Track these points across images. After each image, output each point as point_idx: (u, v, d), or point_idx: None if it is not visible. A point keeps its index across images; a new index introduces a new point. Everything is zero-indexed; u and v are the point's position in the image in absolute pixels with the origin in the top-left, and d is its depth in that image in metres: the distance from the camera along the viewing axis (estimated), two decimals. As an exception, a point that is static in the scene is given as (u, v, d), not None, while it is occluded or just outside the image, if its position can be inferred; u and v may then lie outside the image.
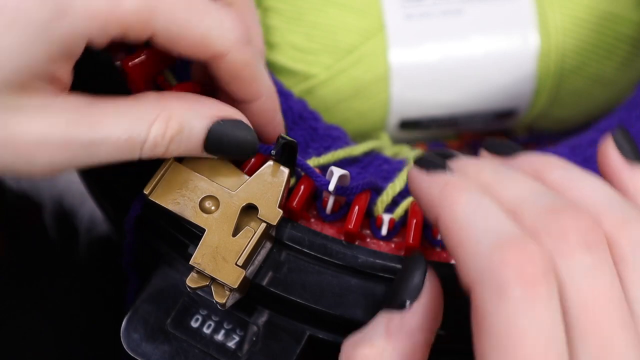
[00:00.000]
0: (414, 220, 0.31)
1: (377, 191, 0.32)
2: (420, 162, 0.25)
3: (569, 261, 0.21)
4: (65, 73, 0.26)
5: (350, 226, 0.31)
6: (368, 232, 0.32)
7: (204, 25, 0.26)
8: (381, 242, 0.32)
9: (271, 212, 0.29)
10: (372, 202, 0.32)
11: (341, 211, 0.32)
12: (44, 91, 0.25)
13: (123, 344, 0.30)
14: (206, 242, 0.28)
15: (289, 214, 0.31)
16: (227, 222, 0.28)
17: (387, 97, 0.44)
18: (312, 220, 0.32)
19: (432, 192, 0.24)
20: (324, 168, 0.33)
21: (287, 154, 0.29)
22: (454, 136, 0.51)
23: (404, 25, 0.43)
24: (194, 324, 0.31)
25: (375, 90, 0.44)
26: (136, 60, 0.29)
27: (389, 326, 0.24)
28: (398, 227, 0.32)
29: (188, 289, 0.28)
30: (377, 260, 0.30)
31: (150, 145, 0.26)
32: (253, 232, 0.28)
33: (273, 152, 0.29)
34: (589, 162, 0.36)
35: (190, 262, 0.28)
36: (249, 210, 0.29)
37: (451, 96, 0.45)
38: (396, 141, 0.46)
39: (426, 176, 0.24)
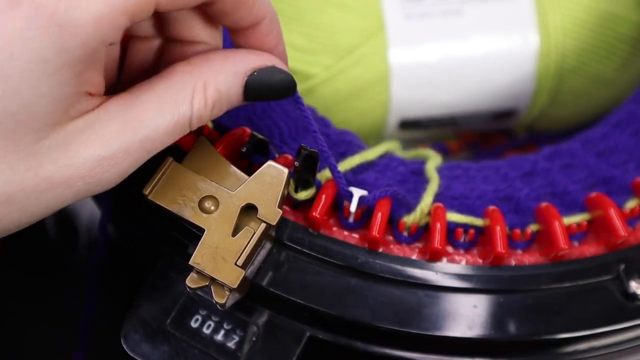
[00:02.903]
0: (438, 224, 0.31)
1: (398, 198, 0.32)
2: None
3: None
4: (97, 82, 0.25)
5: (374, 234, 0.31)
6: (390, 237, 0.32)
7: None
8: (405, 247, 0.32)
9: (271, 212, 0.29)
10: (393, 208, 0.32)
11: (363, 218, 0.32)
12: (84, 109, 0.25)
13: (123, 344, 0.30)
14: (206, 242, 0.28)
15: (311, 224, 0.31)
16: (226, 222, 0.28)
17: (387, 97, 0.44)
18: (335, 229, 0.32)
19: None
20: (343, 176, 0.33)
21: (309, 165, 0.30)
22: (454, 136, 0.51)
23: (404, 25, 0.43)
24: (194, 324, 0.31)
25: (375, 90, 0.44)
26: None
27: None
28: (421, 231, 0.32)
29: (188, 289, 0.28)
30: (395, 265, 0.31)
31: (197, 118, 0.26)
32: (253, 232, 0.28)
33: (296, 163, 0.30)
34: (602, 157, 0.36)
35: (189, 262, 0.28)
36: (249, 210, 0.29)
37: (451, 96, 0.45)
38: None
39: None
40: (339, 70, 0.43)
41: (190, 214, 0.28)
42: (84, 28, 0.23)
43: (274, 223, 0.28)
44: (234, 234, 0.28)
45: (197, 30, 0.29)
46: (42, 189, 0.24)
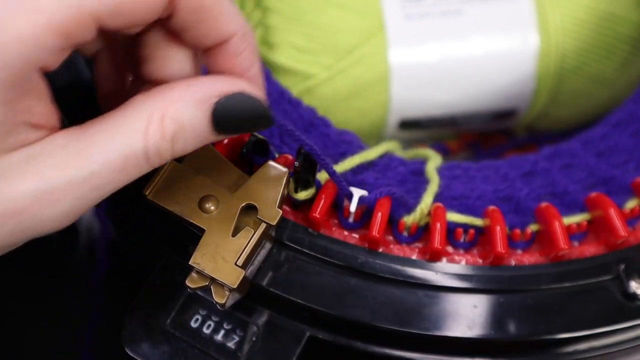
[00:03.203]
0: (438, 224, 0.31)
1: (398, 198, 0.32)
2: None
3: None
4: (40, 111, 0.23)
5: (374, 234, 0.31)
6: (390, 237, 0.32)
7: None
8: (405, 247, 0.32)
9: (271, 212, 0.29)
10: (393, 208, 0.32)
11: (363, 218, 0.32)
12: (25, 140, 0.23)
13: (123, 344, 0.30)
14: (206, 242, 0.28)
15: (311, 224, 0.31)
16: (226, 222, 0.28)
17: (387, 97, 0.44)
18: (334, 229, 0.32)
19: None
20: (343, 176, 0.33)
21: (309, 165, 0.30)
22: (454, 136, 0.51)
23: (404, 25, 0.43)
24: (194, 324, 0.31)
25: (375, 90, 0.44)
26: None
27: None
28: (421, 231, 0.32)
29: (188, 289, 0.28)
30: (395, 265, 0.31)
31: (154, 153, 0.24)
32: (253, 232, 0.28)
33: (296, 163, 0.29)
34: (602, 157, 0.36)
35: (189, 262, 0.28)
36: (249, 210, 0.29)
37: (451, 96, 0.45)
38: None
39: None
40: (339, 70, 0.43)
41: (190, 214, 0.28)
42: (5, 49, 0.21)
43: (274, 223, 0.28)
44: (234, 234, 0.28)
45: (165, 56, 0.26)
46: None
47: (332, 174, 0.31)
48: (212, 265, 0.28)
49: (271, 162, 0.29)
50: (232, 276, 0.27)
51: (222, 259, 0.28)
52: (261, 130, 0.26)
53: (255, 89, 0.25)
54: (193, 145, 0.25)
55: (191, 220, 0.28)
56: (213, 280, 0.28)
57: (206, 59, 0.26)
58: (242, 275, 0.28)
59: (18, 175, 0.23)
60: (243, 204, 0.29)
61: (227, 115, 0.24)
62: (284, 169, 0.29)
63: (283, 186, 0.29)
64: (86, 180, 0.23)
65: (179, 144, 0.24)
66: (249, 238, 0.28)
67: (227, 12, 0.24)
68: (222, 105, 0.24)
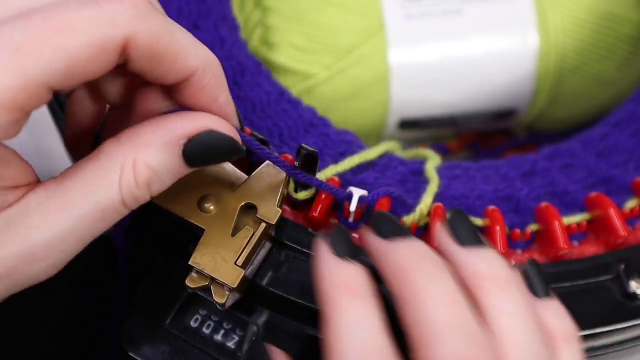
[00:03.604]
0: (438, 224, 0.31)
1: (397, 198, 0.32)
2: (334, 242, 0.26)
3: None
4: (11, 175, 0.23)
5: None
6: None
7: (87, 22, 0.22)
8: None
9: (270, 212, 0.29)
10: (393, 208, 0.32)
11: (363, 218, 0.32)
12: (5, 204, 0.23)
13: (123, 344, 0.30)
14: (205, 242, 0.28)
15: (312, 224, 0.31)
16: (226, 222, 0.28)
17: (387, 97, 0.44)
18: None
19: (325, 288, 0.25)
20: (343, 176, 0.33)
21: (309, 164, 0.30)
22: (454, 136, 0.51)
23: (404, 25, 0.43)
24: (194, 324, 0.31)
25: (375, 90, 0.44)
26: None
27: None
28: (421, 231, 0.32)
29: (188, 289, 0.28)
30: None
31: (131, 200, 0.24)
32: (252, 232, 0.28)
33: (297, 163, 0.29)
34: (602, 157, 0.36)
35: (189, 262, 0.28)
36: (249, 210, 0.29)
37: (451, 96, 0.45)
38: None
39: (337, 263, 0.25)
40: (339, 70, 0.43)
41: (190, 214, 0.28)
42: None
43: (273, 223, 0.28)
44: (234, 233, 0.28)
45: (130, 93, 0.26)
46: None
47: (320, 186, 0.30)
48: (212, 265, 0.28)
49: (271, 162, 0.29)
50: (232, 276, 0.27)
51: (222, 258, 0.28)
52: (235, 159, 0.26)
53: (222, 122, 0.26)
54: (170, 182, 0.25)
55: (191, 220, 0.28)
56: (213, 280, 0.28)
57: (173, 94, 0.26)
58: (242, 275, 0.28)
59: (1, 240, 0.23)
60: (243, 204, 0.29)
61: (198, 153, 0.25)
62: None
63: (283, 186, 0.29)
64: (67, 236, 0.24)
65: (155, 187, 0.25)
66: (248, 238, 0.28)
67: (184, 52, 0.24)
68: (191, 145, 0.25)
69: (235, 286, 0.27)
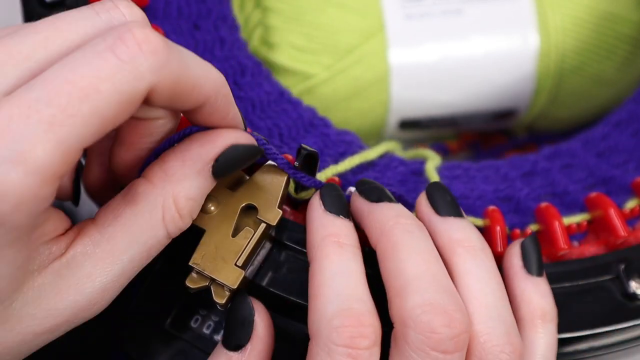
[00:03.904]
0: None
1: (398, 198, 0.32)
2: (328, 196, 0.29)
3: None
4: (50, 229, 0.24)
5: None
6: None
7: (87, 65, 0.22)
8: None
9: (271, 213, 0.29)
10: None
11: None
12: (48, 259, 0.24)
13: (123, 344, 0.30)
14: (206, 243, 0.28)
15: None
16: (226, 223, 0.28)
17: (387, 97, 0.44)
18: None
19: (313, 238, 0.28)
20: (343, 176, 0.33)
21: (309, 165, 0.30)
22: (454, 136, 0.51)
23: (403, 25, 0.43)
24: (194, 324, 0.31)
25: (375, 90, 0.44)
26: None
27: None
28: None
29: (188, 289, 0.28)
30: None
31: (175, 230, 0.26)
32: (252, 232, 0.28)
33: (296, 163, 0.29)
34: (602, 157, 0.36)
35: (189, 262, 0.28)
36: (249, 210, 0.29)
37: (451, 96, 0.45)
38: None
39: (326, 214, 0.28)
40: (339, 70, 0.43)
41: (190, 214, 0.28)
42: (9, 219, 0.20)
43: (274, 223, 0.28)
44: (234, 234, 0.28)
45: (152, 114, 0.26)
46: (29, 339, 0.24)
47: (320, 186, 0.31)
48: (211, 266, 0.28)
49: (271, 162, 0.29)
50: (232, 276, 0.27)
51: (222, 259, 0.28)
52: (253, 162, 0.28)
53: (239, 134, 0.27)
54: (203, 201, 0.27)
55: (191, 221, 0.28)
56: (213, 280, 0.28)
57: (185, 115, 0.26)
58: (242, 276, 0.28)
59: (56, 293, 0.24)
60: (243, 204, 0.29)
61: (224, 167, 0.26)
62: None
63: (283, 186, 0.29)
64: (118, 278, 0.25)
65: (194, 212, 0.26)
66: (248, 238, 0.28)
67: (200, 83, 0.24)
68: (218, 164, 0.26)
69: (235, 287, 0.27)
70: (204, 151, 0.26)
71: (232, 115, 0.27)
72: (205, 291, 0.28)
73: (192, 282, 0.28)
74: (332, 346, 0.25)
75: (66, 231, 0.25)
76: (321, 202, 0.28)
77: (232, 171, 0.27)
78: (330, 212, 0.28)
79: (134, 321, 0.31)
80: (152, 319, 0.31)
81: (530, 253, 0.29)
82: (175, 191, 0.25)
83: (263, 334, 0.28)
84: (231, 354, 0.27)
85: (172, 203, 0.25)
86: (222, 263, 0.28)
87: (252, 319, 0.28)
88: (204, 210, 0.28)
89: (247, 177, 0.29)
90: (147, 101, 0.23)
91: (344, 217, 0.28)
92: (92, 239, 0.25)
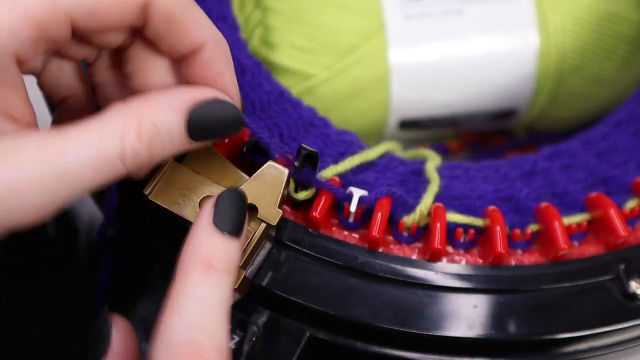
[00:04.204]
0: (438, 224, 0.31)
1: (398, 198, 0.32)
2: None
3: None
4: (16, 105, 0.24)
5: (374, 234, 0.31)
6: (390, 237, 0.32)
7: None
8: (405, 247, 0.32)
9: (271, 213, 0.29)
10: (393, 208, 0.32)
11: (363, 218, 0.32)
12: (1, 130, 0.24)
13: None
14: (206, 242, 0.28)
15: (311, 224, 0.31)
16: (226, 222, 0.28)
17: (387, 97, 0.44)
18: (334, 229, 0.32)
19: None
20: (343, 176, 0.33)
21: (309, 164, 0.30)
22: (454, 136, 0.51)
23: (403, 25, 0.43)
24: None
25: (375, 90, 0.44)
26: None
27: None
28: (421, 231, 0.32)
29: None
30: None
31: (130, 155, 0.24)
32: (253, 232, 0.28)
33: (296, 163, 0.29)
34: (602, 157, 0.36)
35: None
36: (249, 210, 0.29)
37: (451, 96, 0.45)
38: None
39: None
40: (339, 70, 0.43)
41: (191, 214, 0.28)
42: None
43: (274, 223, 0.28)
44: (234, 234, 0.28)
45: (147, 68, 0.27)
46: None
47: (321, 185, 0.31)
48: (212, 265, 0.27)
49: (271, 162, 0.29)
50: (232, 276, 0.27)
51: (222, 259, 0.28)
52: (233, 135, 0.27)
53: (227, 97, 0.27)
54: (169, 151, 0.25)
55: (191, 220, 0.28)
56: (213, 280, 0.28)
57: (182, 69, 0.27)
58: (242, 276, 0.28)
59: None
60: (243, 204, 0.29)
61: (201, 121, 0.25)
62: (284, 169, 0.29)
63: (283, 186, 0.29)
64: (59, 175, 0.23)
65: (156, 149, 0.25)
66: (249, 238, 0.28)
67: (198, 22, 0.26)
68: (196, 111, 0.25)
69: (235, 287, 0.27)
70: (187, 91, 0.26)
71: (228, 78, 0.27)
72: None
73: (192, 282, 0.28)
74: None
75: (27, 126, 0.25)
76: (213, 211, 0.26)
77: (209, 131, 0.26)
78: (217, 226, 0.26)
79: (134, 320, 0.31)
80: (152, 319, 0.31)
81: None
82: (145, 113, 0.25)
83: (120, 352, 0.28)
84: None
85: (136, 122, 0.24)
86: (222, 263, 0.28)
87: (109, 334, 0.27)
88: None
89: (247, 177, 0.29)
90: (146, 17, 0.25)
91: (232, 234, 0.26)
92: (48, 133, 0.24)
